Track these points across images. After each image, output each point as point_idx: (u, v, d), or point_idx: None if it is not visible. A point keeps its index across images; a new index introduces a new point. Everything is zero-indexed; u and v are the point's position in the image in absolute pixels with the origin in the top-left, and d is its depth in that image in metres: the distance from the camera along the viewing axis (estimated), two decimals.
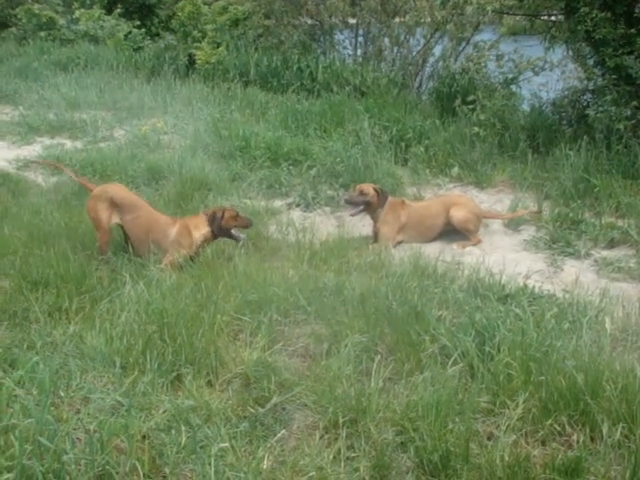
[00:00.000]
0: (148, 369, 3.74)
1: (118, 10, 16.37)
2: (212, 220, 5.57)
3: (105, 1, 16.96)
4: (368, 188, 6.31)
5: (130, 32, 15.65)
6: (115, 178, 7.74)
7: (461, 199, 6.61)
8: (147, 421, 3.35)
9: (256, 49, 13.38)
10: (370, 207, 6.32)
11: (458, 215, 6.28)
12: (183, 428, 3.25)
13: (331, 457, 3.16)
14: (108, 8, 16.73)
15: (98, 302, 4.55)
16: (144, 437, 3.25)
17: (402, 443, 3.28)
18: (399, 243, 6.31)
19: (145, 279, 4.80)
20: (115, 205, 5.57)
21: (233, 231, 5.63)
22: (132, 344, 3.93)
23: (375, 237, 6.35)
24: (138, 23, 16.39)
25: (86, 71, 14.03)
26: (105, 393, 3.55)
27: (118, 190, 5.75)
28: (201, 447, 3.16)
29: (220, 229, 5.57)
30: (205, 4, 15.11)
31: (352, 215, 6.44)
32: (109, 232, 5.59)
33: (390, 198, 6.42)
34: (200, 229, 5.57)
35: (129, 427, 3.21)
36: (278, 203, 7.29)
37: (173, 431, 3.27)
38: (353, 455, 3.20)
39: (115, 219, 5.59)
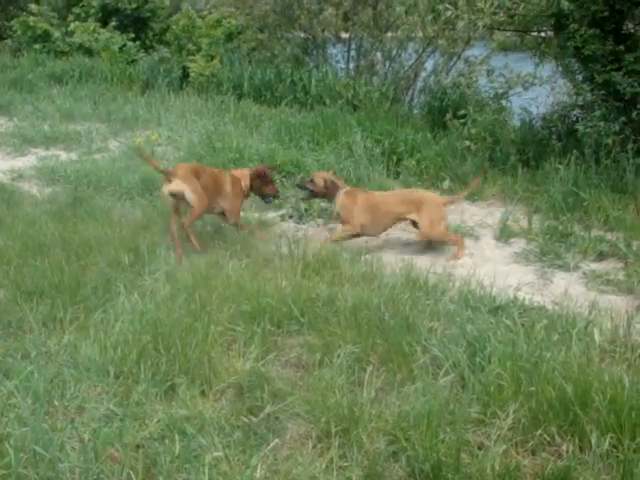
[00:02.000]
0: (142, 379, 3.76)
1: (113, 23, 16.38)
2: (255, 178, 6.55)
3: (100, 14, 16.96)
4: (318, 179, 6.56)
5: (125, 45, 15.68)
6: (109, 189, 7.78)
7: (424, 196, 6.55)
8: (141, 430, 3.38)
9: (250, 62, 13.46)
10: (318, 195, 6.65)
11: (424, 229, 6.34)
12: (177, 437, 3.26)
13: (324, 466, 3.17)
14: (103, 21, 16.74)
15: (92, 312, 4.57)
16: (138, 446, 3.27)
17: (394, 453, 3.30)
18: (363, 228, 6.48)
19: (139, 289, 4.82)
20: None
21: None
22: (126, 354, 3.95)
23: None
24: (133, 36, 16.40)
25: (80, 83, 14.07)
26: (99, 402, 3.57)
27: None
28: (195, 456, 3.17)
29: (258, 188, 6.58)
30: (199, 17, 15.16)
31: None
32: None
33: (348, 187, 6.64)
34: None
35: (123, 436, 3.23)
36: (271, 215, 7.34)
37: (167, 440, 3.28)
38: (345, 464, 3.22)
39: None
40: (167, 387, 3.77)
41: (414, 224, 6.46)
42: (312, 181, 6.57)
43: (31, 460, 3.01)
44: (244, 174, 6.61)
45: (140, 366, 3.84)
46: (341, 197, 6.48)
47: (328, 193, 6.54)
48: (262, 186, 6.63)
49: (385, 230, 6.65)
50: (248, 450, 3.29)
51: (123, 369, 3.86)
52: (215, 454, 3.17)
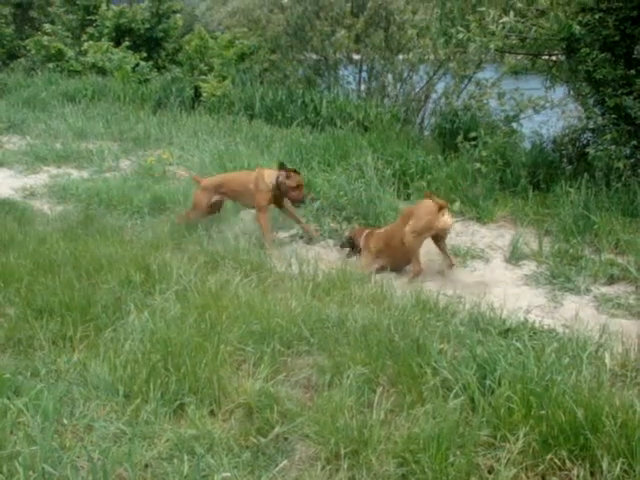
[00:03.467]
0: (151, 398, 3.75)
1: (126, 43, 16.56)
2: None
3: (113, 34, 17.16)
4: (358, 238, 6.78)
5: (137, 64, 15.84)
6: (120, 208, 7.81)
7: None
8: (150, 450, 3.36)
9: (261, 83, 13.58)
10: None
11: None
12: (185, 457, 3.25)
13: None
14: (116, 41, 16.93)
15: (102, 330, 4.56)
16: (146, 466, 3.26)
17: (403, 475, 3.27)
18: None
19: (149, 308, 4.82)
20: None
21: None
22: (136, 373, 3.94)
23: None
24: (145, 56, 16.58)
25: (93, 102, 14.22)
26: (108, 421, 3.57)
27: None
28: (203, 476, 3.16)
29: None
30: (212, 38, 15.29)
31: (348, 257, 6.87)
32: None
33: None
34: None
35: (132, 456, 3.22)
36: (282, 235, 7.35)
37: (175, 460, 3.27)
38: None
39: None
40: (176, 406, 3.75)
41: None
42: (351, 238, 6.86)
43: (40, 479, 3.00)
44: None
45: (149, 385, 3.82)
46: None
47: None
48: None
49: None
50: (257, 471, 3.28)
51: (132, 388, 3.84)
52: (224, 475, 3.15)
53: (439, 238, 6.32)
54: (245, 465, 3.30)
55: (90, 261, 5.74)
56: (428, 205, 6.13)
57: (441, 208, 6.08)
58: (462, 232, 7.22)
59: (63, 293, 4.99)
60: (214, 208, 7.37)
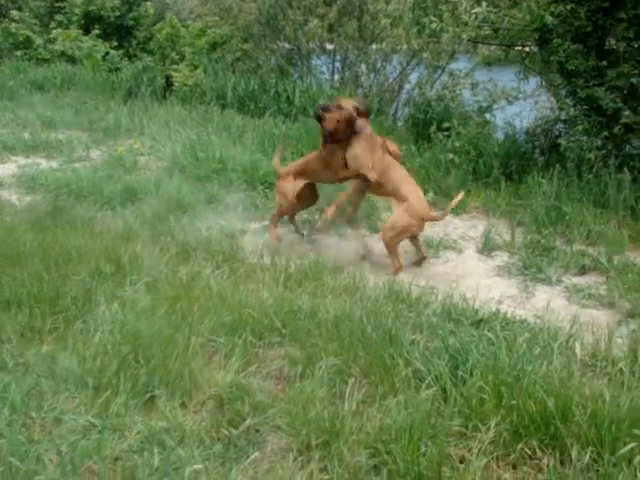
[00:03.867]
0: (121, 390, 3.71)
1: (96, 31, 16.32)
2: None
3: (83, 21, 16.92)
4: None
5: (107, 53, 15.65)
6: (91, 199, 7.71)
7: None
8: (120, 443, 3.34)
9: (234, 72, 13.48)
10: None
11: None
12: (156, 450, 3.23)
13: None
14: (85, 28, 16.69)
15: (72, 322, 4.51)
16: (116, 459, 3.23)
17: (375, 466, 3.27)
18: None
19: (120, 300, 4.78)
20: None
21: None
22: (105, 365, 3.91)
23: None
24: (116, 44, 16.37)
25: (62, 91, 14.02)
26: (77, 414, 3.53)
27: None
28: (174, 469, 3.14)
29: None
30: (184, 27, 15.16)
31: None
32: None
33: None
34: None
35: (101, 449, 3.20)
36: (254, 226, 7.29)
37: (146, 453, 3.24)
38: (326, 478, 3.19)
39: None
40: (147, 399, 3.73)
41: None
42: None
43: (7, 473, 2.97)
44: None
45: (119, 377, 3.79)
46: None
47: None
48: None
49: None
50: (228, 463, 3.26)
51: (102, 380, 3.81)
52: (195, 467, 3.13)
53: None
54: (216, 457, 3.28)
55: (59, 252, 5.66)
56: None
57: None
58: (435, 223, 7.21)
59: (31, 285, 4.92)
60: (304, 198, 6.93)
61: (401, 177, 6.27)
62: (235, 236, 6.70)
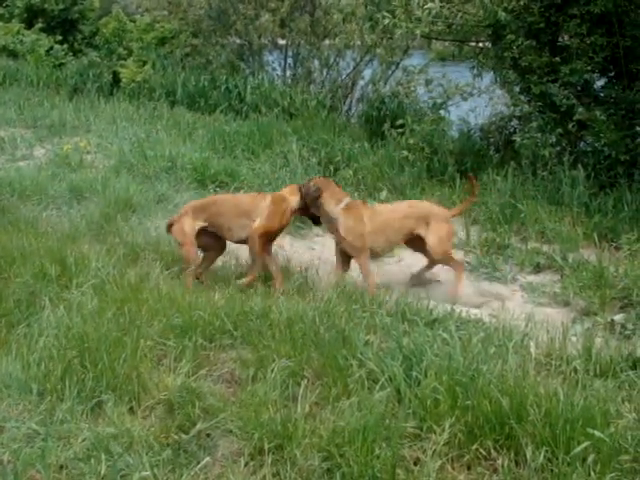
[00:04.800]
0: (67, 396, 3.62)
1: (39, 25, 16.05)
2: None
3: (25, 15, 16.61)
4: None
5: (52, 48, 15.36)
6: (35, 198, 7.55)
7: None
8: (65, 450, 3.24)
9: (183, 68, 13.36)
10: None
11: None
12: (103, 457, 3.14)
13: None
14: (28, 22, 16.40)
15: (15, 327, 4.40)
16: (62, 467, 3.14)
17: (328, 469, 3.22)
18: None
19: (65, 303, 4.66)
20: None
21: None
22: (50, 370, 3.80)
23: None
24: (60, 38, 16.10)
25: (4, 87, 13.81)
26: (20, 421, 3.43)
27: None
28: (122, 476, 3.07)
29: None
30: (131, 21, 14.97)
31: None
32: None
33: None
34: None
35: (46, 457, 3.10)
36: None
37: (92, 460, 3.15)
38: None
39: None
40: (93, 404, 3.63)
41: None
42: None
43: None
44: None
45: (65, 382, 3.69)
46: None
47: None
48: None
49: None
50: (178, 469, 3.18)
51: (47, 386, 3.70)
52: (143, 474, 3.05)
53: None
54: (166, 463, 3.20)
55: (1, 254, 5.53)
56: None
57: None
58: None
59: None
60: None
61: None
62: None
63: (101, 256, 5.63)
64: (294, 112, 10.93)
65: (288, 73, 13.25)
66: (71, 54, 15.49)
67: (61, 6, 16.59)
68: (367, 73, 12.31)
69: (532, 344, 4.40)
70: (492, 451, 3.33)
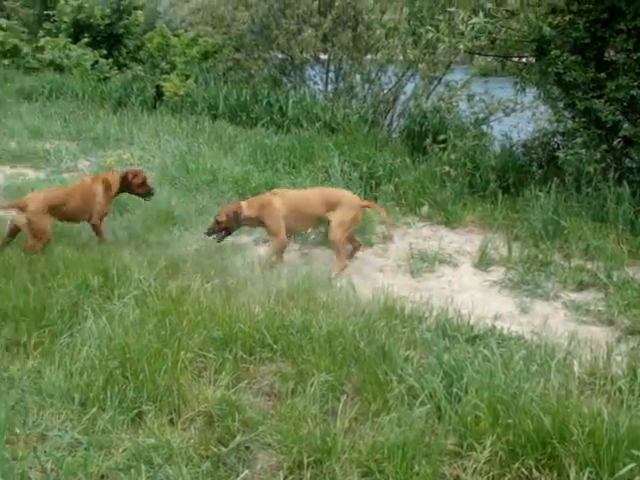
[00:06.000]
0: (108, 406, 3.65)
1: (85, 39, 16.29)
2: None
3: (71, 30, 16.87)
4: (221, 216, 6.36)
5: (97, 62, 15.60)
6: None
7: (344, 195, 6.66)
8: (106, 460, 3.27)
9: (225, 82, 13.44)
10: (231, 229, 6.46)
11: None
12: (143, 467, 3.17)
13: None
14: (75, 37, 16.65)
15: (58, 336, 4.44)
16: (102, 476, 3.17)
17: None
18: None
19: (107, 313, 4.70)
20: None
21: None
22: (92, 380, 3.84)
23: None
24: (105, 53, 16.35)
25: (50, 100, 14.04)
26: (63, 430, 3.47)
27: None
28: None
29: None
30: (175, 36, 15.13)
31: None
32: None
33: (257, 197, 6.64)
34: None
35: (87, 466, 3.13)
36: (245, 239, 7.23)
37: (133, 471, 3.18)
38: None
39: None
40: (134, 415, 3.66)
41: None
42: (217, 221, 6.38)
43: None
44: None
45: (107, 393, 3.73)
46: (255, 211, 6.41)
47: (237, 221, 6.40)
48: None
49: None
50: None
51: (89, 396, 3.74)
52: None
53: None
54: (205, 475, 3.22)
55: (46, 264, 5.62)
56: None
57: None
58: (430, 236, 7.18)
59: (17, 297, 4.87)
60: None
61: None
62: (226, 249, 6.61)
63: (143, 268, 5.67)
64: (335, 127, 10.92)
65: (330, 88, 13.27)
66: (116, 68, 15.73)
67: (107, 21, 16.85)
68: (409, 88, 12.25)
69: (575, 363, 4.32)
70: (534, 471, 3.29)
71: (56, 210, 6.37)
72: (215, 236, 6.43)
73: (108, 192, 6.72)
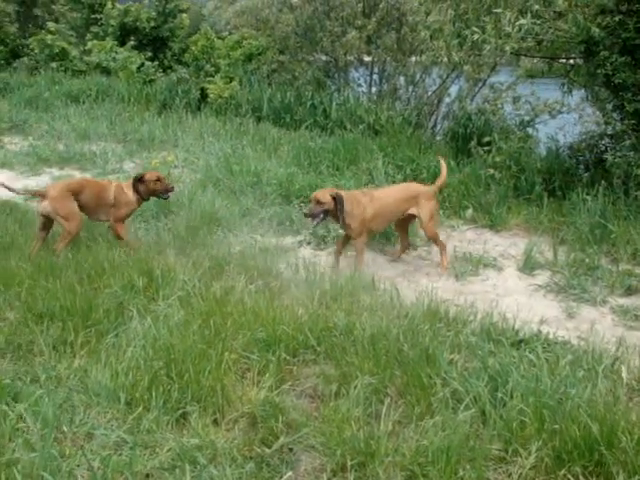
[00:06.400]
0: (153, 406, 3.68)
1: (131, 42, 16.52)
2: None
3: (118, 33, 17.13)
4: (324, 195, 6.20)
5: (142, 64, 15.80)
6: None
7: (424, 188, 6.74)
8: (151, 459, 3.29)
9: (269, 84, 13.51)
10: (330, 213, 6.25)
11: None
12: (188, 467, 3.18)
13: None
14: (121, 40, 16.89)
15: (104, 336, 4.49)
16: (147, 476, 3.20)
17: None
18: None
19: (152, 314, 4.75)
20: None
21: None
22: (138, 380, 3.87)
23: (346, 238, 6.50)
24: (151, 55, 16.56)
25: (97, 103, 14.24)
26: (109, 429, 3.50)
27: None
28: None
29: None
30: (219, 38, 15.24)
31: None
32: None
33: (347, 192, 6.46)
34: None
35: (133, 465, 3.16)
36: (289, 240, 7.26)
37: (177, 470, 3.20)
38: None
39: None
40: (179, 415, 3.68)
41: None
42: (319, 202, 6.17)
43: None
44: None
45: (151, 393, 3.75)
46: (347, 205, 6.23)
47: (338, 208, 6.18)
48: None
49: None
50: None
51: (134, 395, 3.77)
52: None
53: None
54: (249, 476, 3.22)
55: (92, 265, 5.68)
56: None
57: None
58: (475, 240, 7.12)
59: (64, 297, 4.92)
60: None
61: None
62: (269, 250, 6.64)
63: (187, 269, 5.71)
64: (379, 129, 10.91)
65: (374, 90, 13.26)
66: (161, 71, 15.92)
67: (152, 24, 17.06)
68: (453, 90, 12.20)
69: (623, 368, 4.21)
70: (581, 477, 3.24)
71: (75, 196, 6.44)
72: (316, 220, 6.24)
73: (122, 195, 6.67)
